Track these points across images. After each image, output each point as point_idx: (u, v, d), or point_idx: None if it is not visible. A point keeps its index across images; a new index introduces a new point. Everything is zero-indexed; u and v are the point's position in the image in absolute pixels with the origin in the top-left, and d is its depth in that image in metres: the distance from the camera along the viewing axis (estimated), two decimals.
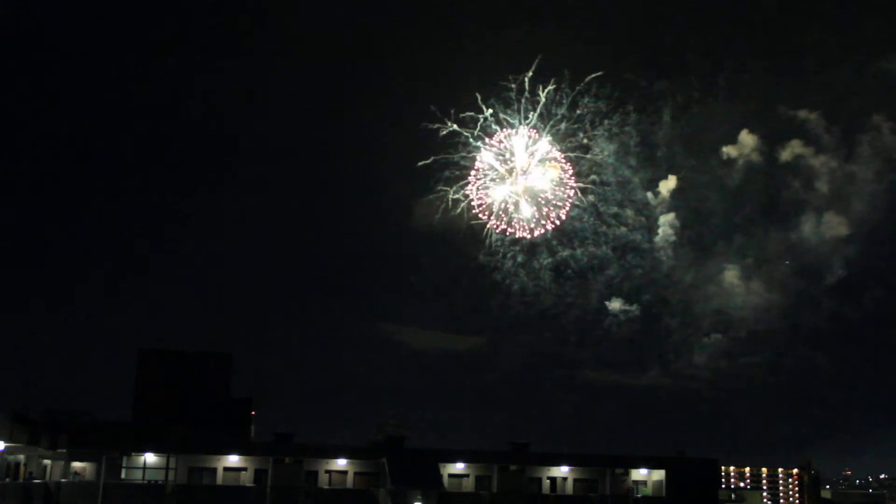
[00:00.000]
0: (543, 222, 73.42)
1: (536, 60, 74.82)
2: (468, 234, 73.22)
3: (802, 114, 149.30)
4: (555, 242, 75.01)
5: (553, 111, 74.21)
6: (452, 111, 73.16)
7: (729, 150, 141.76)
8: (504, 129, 73.40)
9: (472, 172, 73.11)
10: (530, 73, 73.78)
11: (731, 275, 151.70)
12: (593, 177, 75.92)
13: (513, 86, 73.98)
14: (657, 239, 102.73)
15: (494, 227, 72.66)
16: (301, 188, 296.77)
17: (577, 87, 74.62)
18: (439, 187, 72.89)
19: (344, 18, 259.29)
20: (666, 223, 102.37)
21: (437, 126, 72.97)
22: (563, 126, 73.98)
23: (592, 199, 77.32)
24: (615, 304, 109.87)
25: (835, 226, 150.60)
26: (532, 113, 73.63)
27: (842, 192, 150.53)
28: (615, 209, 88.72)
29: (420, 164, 73.12)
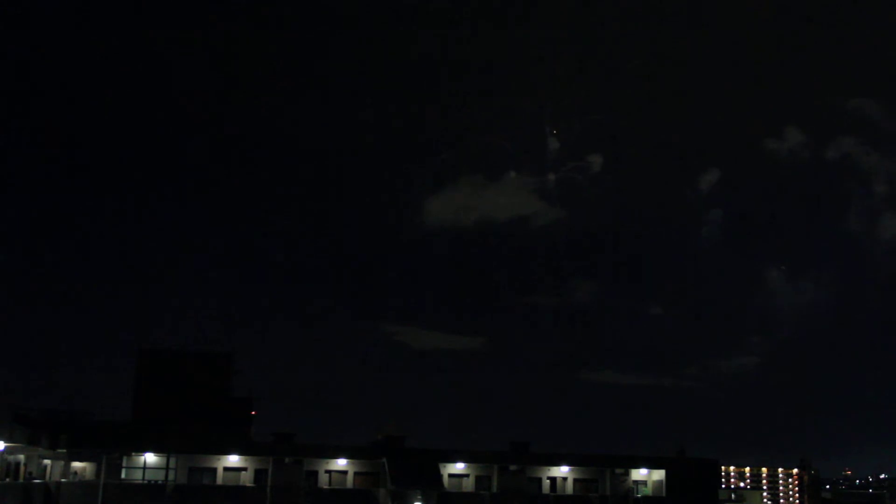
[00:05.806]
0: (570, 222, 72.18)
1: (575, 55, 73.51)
2: (477, 233, 71.66)
3: (855, 102, 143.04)
4: (586, 243, 73.43)
5: (590, 104, 72.95)
6: (469, 107, 71.72)
7: (776, 145, 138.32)
8: (535, 126, 72.04)
9: (494, 169, 71.70)
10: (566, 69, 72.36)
11: (775, 275, 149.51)
12: (631, 170, 74.43)
13: (535, 80, 72.62)
14: (700, 239, 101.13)
15: (510, 225, 71.49)
16: (303, 187, 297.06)
17: (616, 80, 73.18)
18: (458, 184, 71.23)
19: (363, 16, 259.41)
20: (710, 221, 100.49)
21: (455, 124, 71.59)
22: (600, 118, 72.68)
23: (631, 196, 75.90)
24: (652, 307, 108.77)
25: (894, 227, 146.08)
26: (568, 105, 72.46)
27: None
28: (655, 207, 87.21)
29: (435, 161, 71.55)
